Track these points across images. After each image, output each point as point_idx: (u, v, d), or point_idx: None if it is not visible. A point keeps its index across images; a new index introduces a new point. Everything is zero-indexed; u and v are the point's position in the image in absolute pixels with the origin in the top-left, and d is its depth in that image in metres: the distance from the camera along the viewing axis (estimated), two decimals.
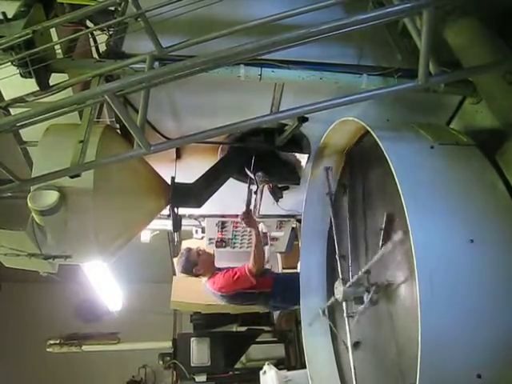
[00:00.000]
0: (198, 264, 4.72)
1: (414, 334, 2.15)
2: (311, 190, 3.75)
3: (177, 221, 3.57)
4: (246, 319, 7.30)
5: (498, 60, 2.44)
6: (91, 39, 2.87)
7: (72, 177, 2.31)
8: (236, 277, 4.66)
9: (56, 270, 3.10)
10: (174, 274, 6.69)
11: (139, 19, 2.41)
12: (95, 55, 2.90)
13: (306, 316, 3.83)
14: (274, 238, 5.51)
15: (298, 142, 3.84)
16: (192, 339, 6.48)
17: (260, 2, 3.01)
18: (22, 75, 2.51)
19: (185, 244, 6.46)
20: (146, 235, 5.58)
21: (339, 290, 3.06)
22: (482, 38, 2.55)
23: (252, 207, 4.38)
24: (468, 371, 2.05)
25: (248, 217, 4.35)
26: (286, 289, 4.81)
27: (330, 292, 3.43)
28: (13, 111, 2.71)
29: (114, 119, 3.28)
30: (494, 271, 2.14)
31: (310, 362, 3.71)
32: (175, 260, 6.71)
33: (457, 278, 2.10)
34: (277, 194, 4.16)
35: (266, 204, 4.55)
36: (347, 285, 3.00)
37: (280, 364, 6.46)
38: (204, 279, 4.86)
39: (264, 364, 5.04)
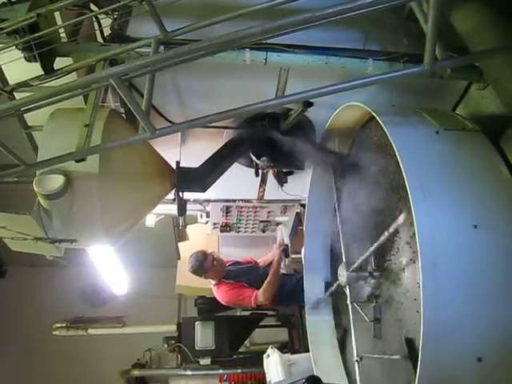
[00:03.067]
0: (208, 272, 4.72)
1: (416, 318, 2.17)
2: (316, 175, 3.76)
3: (182, 205, 3.58)
4: None
5: (506, 45, 2.42)
6: (96, 23, 2.86)
7: (77, 161, 2.33)
8: (240, 298, 4.68)
9: (62, 253, 3.13)
10: (179, 259, 6.72)
11: (144, 3, 2.40)
12: (100, 39, 2.89)
13: (310, 300, 3.86)
14: (279, 223, 5.53)
15: (303, 127, 3.84)
16: (196, 323, 6.51)
17: None
18: (26, 59, 2.51)
19: (190, 228, 6.49)
20: (150, 220, 5.60)
21: (343, 274, 3.08)
22: (490, 22, 2.53)
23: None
24: (469, 355, 2.08)
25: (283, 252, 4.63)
26: (290, 298, 4.85)
27: (334, 276, 3.44)
28: (17, 95, 2.71)
29: (118, 103, 3.28)
30: (497, 256, 2.15)
31: (314, 346, 3.75)
32: (180, 245, 6.74)
33: (460, 263, 2.11)
34: (281, 179, 4.15)
35: (271, 189, 4.56)
36: (350, 269, 3.01)
37: (283, 348, 6.49)
38: (211, 281, 4.88)
39: (268, 348, 5.07)
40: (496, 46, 2.42)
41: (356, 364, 2.95)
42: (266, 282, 4.53)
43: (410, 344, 2.47)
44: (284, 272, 4.98)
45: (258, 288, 4.57)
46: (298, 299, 4.22)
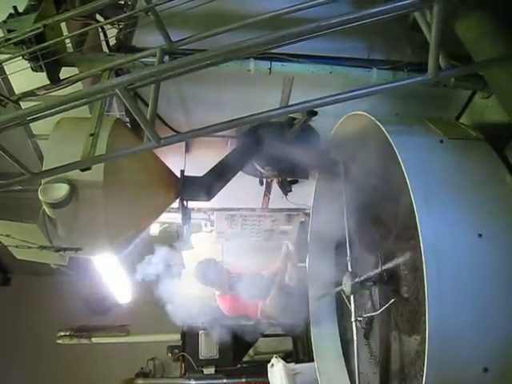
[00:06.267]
0: (216, 281, 4.70)
1: (422, 328, 2.16)
2: (320, 184, 3.75)
3: (186, 214, 3.59)
4: None
5: (509, 54, 2.42)
6: (101, 33, 2.88)
7: (82, 170, 2.33)
8: (246, 309, 4.66)
9: (66, 262, 3.14)
10: (184, 267, 6.71)
11: (149, 13, 2.42)
12: (105, 49, 2.91)
13: (314, 310, 3.85)
14: (283, 232, 5.52)
15: (307, 136, 3.84)
16: (200, 332, 6.51)
17: None
18: (32, 69, 2.53)
19: (194, 237, 6.48)
20: (155, 228, 5.60)
21: (347, 284, 3.07)
22: (493, 31, 2.53)
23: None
24: (474, 365, 2.07)
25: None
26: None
27: (338, 285, 3.43)
28: (23, 105, 2.73)
29: (123, 113, 3.30)
30: (501, 265, 2.14)
31: (318, 355, 3.73)
32: (184, 253, 6.73)
33: (465, 272, 2.11)
34: (286, 188, 4.16)
35: (275, 198, 4.56)
36: (355, 280, 3.00)
37: (288, 357, 6.47)
38: (216, 292, 4.86)
39: (272, 357, 5.05)
40: (500, 55, 2.43)
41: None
42: (270, 295, 4.49)
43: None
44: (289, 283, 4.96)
45: (262, 299, 4.55)
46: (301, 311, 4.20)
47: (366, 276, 2.94)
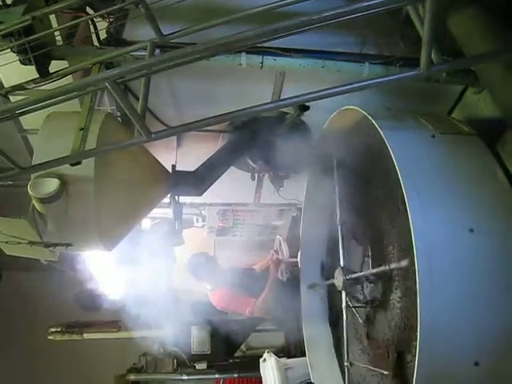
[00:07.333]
0: (208, 275, 4.70)
1: (413, 322, 2.16)
2: (312, 179, 3.75)
3: (177, 209, 3.57)
4: None
5: (500, 49, 2.42)
6: (91, 26, 2.85)
7: (73, 164, 2.30)
8: (236, 306, 4.67)
9: (57, 258, 3.11)
10: (175, 262, 6.70)
11: (140, 6, 2.39)
12: (96, 42, 2.88)
13: (306, 304, 3.85)
14: (275, 227, 5.52)
15: (299, 131, 3.83)
16: (192, 327, 6.51)
17: None
18: (21, 62, 2.49)
19: (185, 232, 6.46)
20: (146, 223, 5.58)
21: (339, 279, 3.07)
22: (485, 27, 2.53)
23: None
24: (466, 359, 2.07)
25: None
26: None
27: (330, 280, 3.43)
28: (13, 98, 2.70)
29: (114, 107, 3.27)
30: (493, 260, 2.15)
31: (310, 350, 3.73)
32: (176, 249, 6.72)
33: (456, 267, 2.11)
34: (277, 183, 4.15)
35: (267, 193, 4.55)
36: (347, 275, 3.00)
37: (280, 352, 6.48)
38: (207, 286, 4.85)
39: (264, 352, 5.06)
40: (491, 51, 2.42)
41: (346, 369, 2.95)
42: (262, 295, 4.48)
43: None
44: (281, 279, 4.96)
45: (254, 295, 4.54)
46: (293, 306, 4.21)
47: (358, 273, 2.95)
